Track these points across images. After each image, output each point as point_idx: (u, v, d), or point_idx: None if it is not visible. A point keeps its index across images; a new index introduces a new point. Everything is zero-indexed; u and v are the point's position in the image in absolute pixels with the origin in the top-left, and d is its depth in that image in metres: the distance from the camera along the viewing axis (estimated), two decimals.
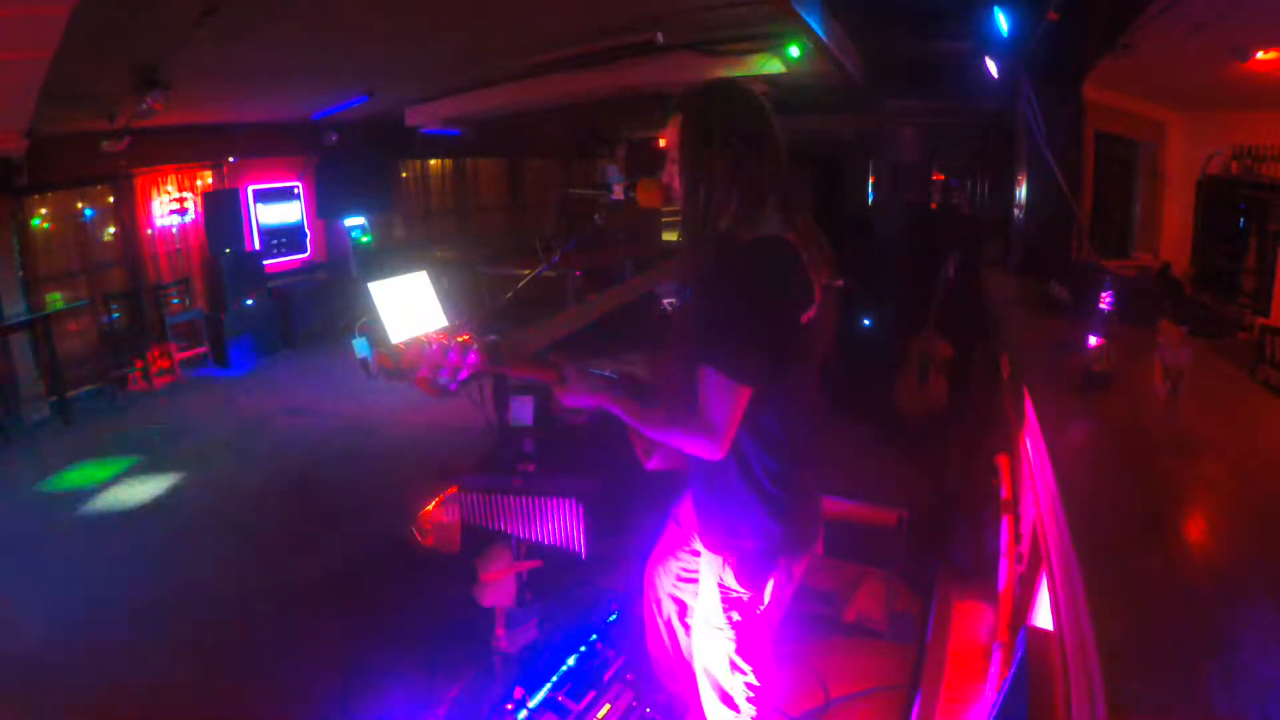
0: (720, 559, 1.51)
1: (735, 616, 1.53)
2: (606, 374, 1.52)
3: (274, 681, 2.70)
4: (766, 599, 1.52)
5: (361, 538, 3.73)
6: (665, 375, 1.54)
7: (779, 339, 1.35)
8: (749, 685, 1.59)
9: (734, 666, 1.58)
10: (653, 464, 1.65)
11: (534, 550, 2.36)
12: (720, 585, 1.52)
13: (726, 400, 1.30)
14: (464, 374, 1.42)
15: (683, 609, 1.86)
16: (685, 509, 1.76)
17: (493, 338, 1.48)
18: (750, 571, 1.49)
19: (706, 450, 1.34)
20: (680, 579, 1.83)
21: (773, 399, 1.38)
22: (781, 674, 2.13)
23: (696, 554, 1.66)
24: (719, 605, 1.54)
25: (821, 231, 1.50)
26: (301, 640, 2.95)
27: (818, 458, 1.57)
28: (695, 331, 1.36)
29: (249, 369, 7.04)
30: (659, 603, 1.90)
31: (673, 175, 1.46)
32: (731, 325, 1.31)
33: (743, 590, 1.50)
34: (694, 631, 1.66)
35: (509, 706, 2.18)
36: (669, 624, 1.89)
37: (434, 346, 1.39)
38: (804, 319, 1.38)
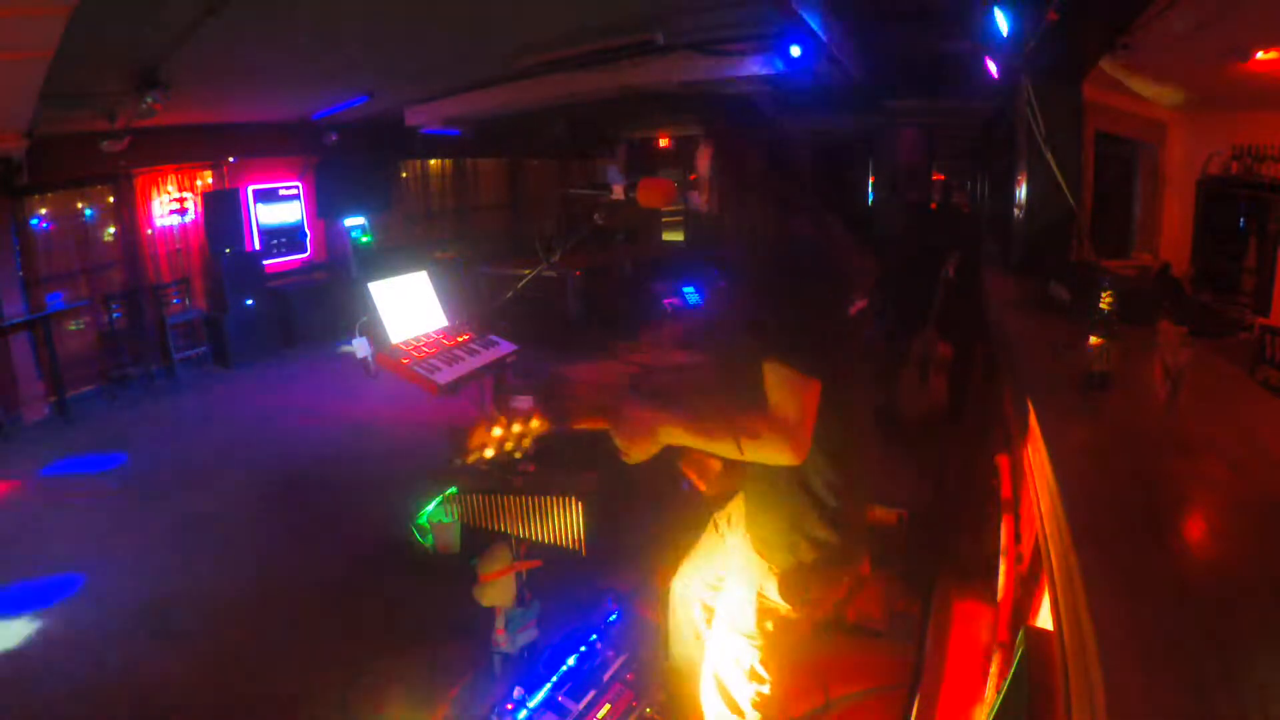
0: (767, 567, 1.50)
1: (769, 626, 1.52)
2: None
3: (274, 681, 2.70)
4: (804, 612, 1.51)
5: (362, 538, 3.73)
6: (672, 363, 1.54)
7: (836, 336, 1.36)
8: (760, 693, 1.58)
9: (752, 675, 1.56)
10: (708, 488, 1.64)
11: (534, 550, 2.36)
12: (760, 594, 1.51)
13: (800, 396, 1.28)
14: (529, 440, 1.44)
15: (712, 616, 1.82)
16: (734, 517, 1.72)
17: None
18: (795, 583, 1.48)
19: (785, 454, 1.29)
20: (715, 587, 1.79)
21: (832, 402, 1.35)
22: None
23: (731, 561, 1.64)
24: (754, 614, 1.52)
25: (848, 234, 1.51)
26: (301, 640, 2.95)
27: (872, 468, 1.55)
28: (756, 331, 1.34)
29: (249, 369, 7.04)
30: (688, 608, 1.86)
31: (703, 198, 1.51)
32: (797, 320, 1.31)
33: (781, 602, 1.49)
34: (716, 635, 1.63)
35: (509, 706, 2.18)
36: (695, 631, 1.85)
37: (499, 424, 1.40)
38: (852, 310, 1.40)
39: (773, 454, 1.31)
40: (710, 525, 1.85)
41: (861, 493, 1.53)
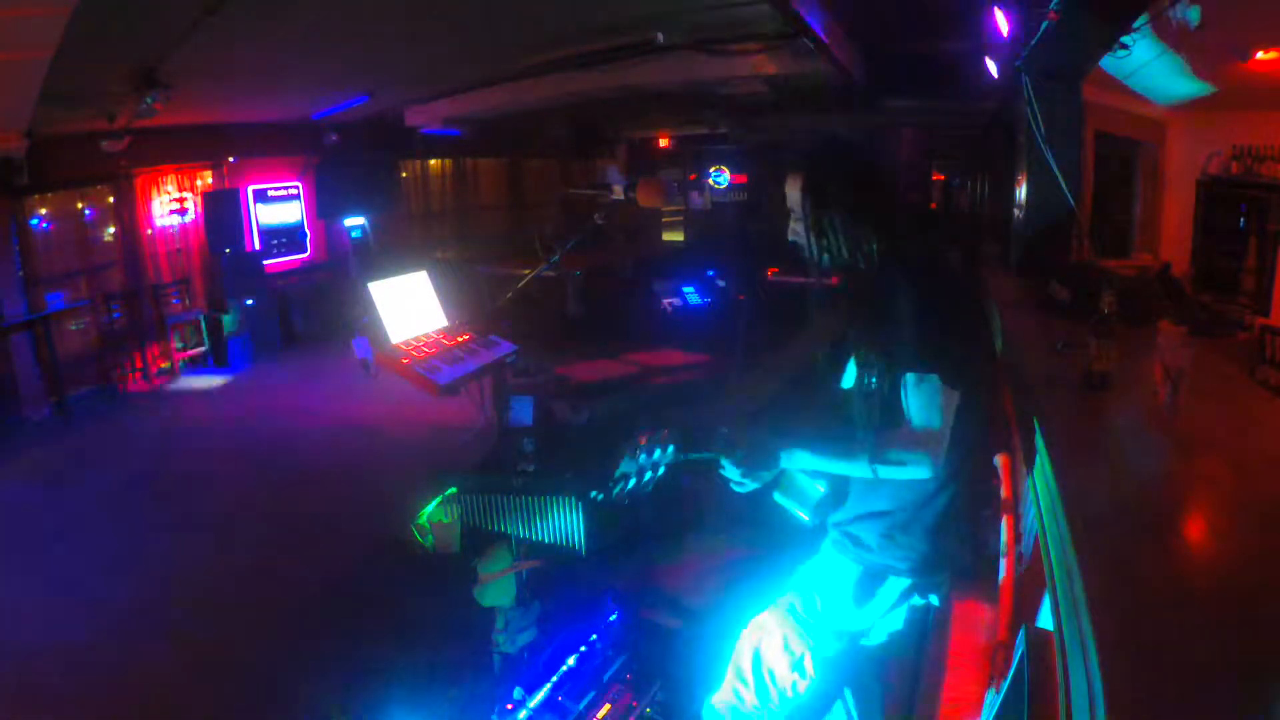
0: (846, 564, 1.50)
1: (830, 624, 1.51)
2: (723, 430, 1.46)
3: (274, 681, 2.70)
4: (873, 618, 1.50)
5: (361, 538, 3.72)
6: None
7: (974, 347, 1.38)
8: (798, 687, 1.54)
9: (797, 667, 1.54)
10: (809, 518, 1.59)
11: (534, 550, 2.36)
12: (837, 590, 1.51)
13: (942, 407, 1.29)
14: (663, 469, 1.41)
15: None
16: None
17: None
18: (871, 585, 1.48)
19: (925, 466, 1.31)
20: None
21: (963, 413, 1.35)
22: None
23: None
24: (820, 607, 1.52)
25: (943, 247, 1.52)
26: (301, 640, 2.95)
27: (978, 485, 1.55)
28: (898, 348, 1.34)
29: (249, 369, 7.04)
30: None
31: (798, 227, 1.49)
32: (944, 334, 1.32)
33: (853, 602, 1.49)
34: (775, 612, 1.60)
35: (509, 706, 2.18)
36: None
37: (633, 455, 1.37)
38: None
39: (914, 468, 1.31)
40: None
41: (964, 509, 1.51)
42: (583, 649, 2.40)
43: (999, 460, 2.29)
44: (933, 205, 7.36)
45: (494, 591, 2.32)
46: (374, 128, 7.96)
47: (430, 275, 2.62)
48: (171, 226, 7.06)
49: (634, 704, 2.22)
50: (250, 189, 7.62)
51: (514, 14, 4.65)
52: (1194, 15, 2.50)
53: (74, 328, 6.36)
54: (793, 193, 1.48)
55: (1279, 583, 0.89)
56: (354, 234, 8.44)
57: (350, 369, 2.43)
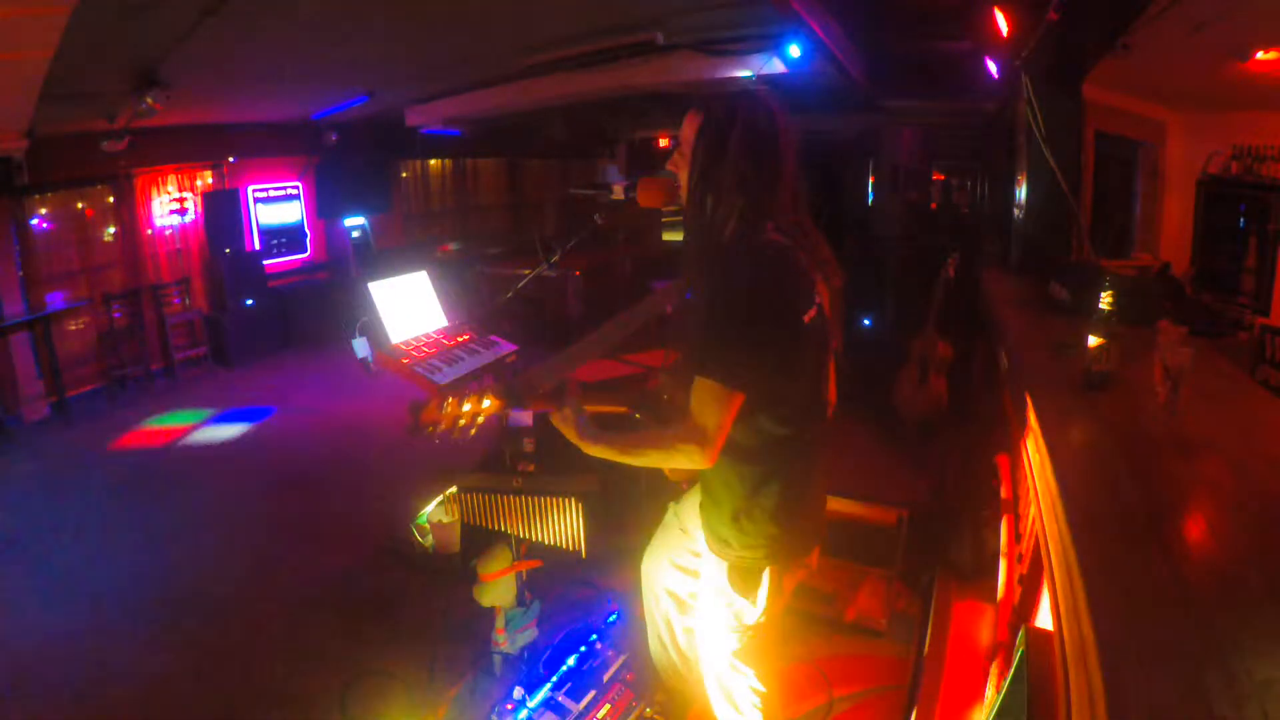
0: (716, 561, 1.52)
1: (733, 620, 1.54)
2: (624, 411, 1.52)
3: (273, 681, 2.70)
4: (762, 603, 1.52)
5: (361, 538, 3.73)
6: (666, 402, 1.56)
7: (778, 345, 1.35)
8: (752, 689, 1.60)
9: (734, 669, 1.59)
10: (672, 474, 1.64)
11: (534, 550, 2.36)
12: (717, 588, 1.53)
13: (717, 406, 1.31)
14: (483, 418, 1.45)
15: (678, 604, 1.87)
16: (688, 507, 1.77)
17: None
18: (745, 576, 1.50)
19: (696, 459, 1.34)
20: (677, 574, 1.83)
21: (774, 404, 1.38)
22: (784, 674, 2.13)
23: (697, 554, 1.67)
24: (717, 607, 1.55)
25: (819, 232, 1.50)
26: (301, 640, 2.95)
27: (825, 462, 1.56)
28: (691, 339, 1.37)
29: (249, 369, 7.04)
30: (656, 598, 1.91)
31: (679, 168, 1.49)
32: (725, 333, 1.33)
33: (737, 595, 1.51)
34: (697, 631, 1.67)
35: (509, 706, 2.18)
36: (665, 619, 1.90)
37: (449, 401, 1.42)
38: (805, 318, 1.39)
39: (685, 462, 1.36)
40: (669, 513, 1.89)
41: (813, 489, 1.54)
42: (583, 649, 2.40)
43: (999, 460, 2.29)
44: (933, 205, 7.35)
45: (494, 591, 2.32)
46: (374, 128, 7.95)
47: (430, 275, 2.62)
48: (171, 226, 7.06)
49: (634, 704, 2.22)
50: (250, 189, 7.62)
51: (514, 14, 4.65)
52: None
53: (74, 328, 6.35)
54: (687, 127, 1.45)
55: (1279, 582, 0.89)
56: (354, 234, 8.44)
57: (351, 369, 2.43)
